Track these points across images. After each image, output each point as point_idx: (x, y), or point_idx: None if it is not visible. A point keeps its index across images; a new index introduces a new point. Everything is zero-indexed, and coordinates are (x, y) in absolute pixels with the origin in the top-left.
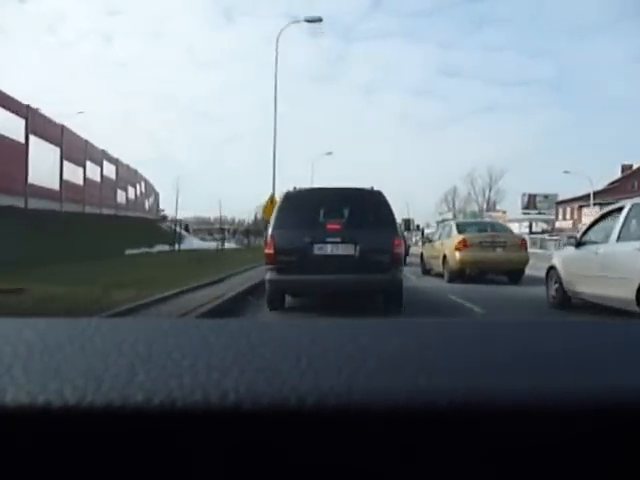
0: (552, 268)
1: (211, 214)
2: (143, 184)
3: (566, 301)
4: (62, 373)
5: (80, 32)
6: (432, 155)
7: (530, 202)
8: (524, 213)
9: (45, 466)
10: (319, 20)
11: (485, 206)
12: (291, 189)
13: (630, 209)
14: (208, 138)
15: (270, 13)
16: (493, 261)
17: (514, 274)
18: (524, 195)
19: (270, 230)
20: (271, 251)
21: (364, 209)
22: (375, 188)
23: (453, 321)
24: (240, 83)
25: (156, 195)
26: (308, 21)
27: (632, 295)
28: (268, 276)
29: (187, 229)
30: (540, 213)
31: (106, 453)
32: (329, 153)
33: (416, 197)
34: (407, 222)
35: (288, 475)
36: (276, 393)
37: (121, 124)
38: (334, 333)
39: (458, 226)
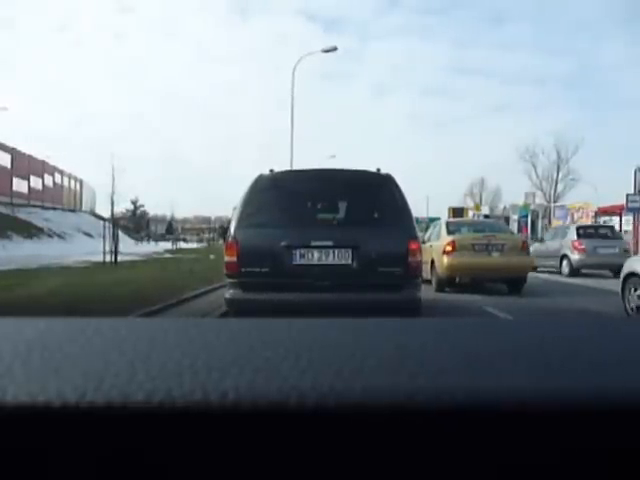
0: (633, 275)
1: (213, 213)
2: (59, 175)
3: None
4: (62, 373)
5: (92, 29)
6: (451, 149)
7: None
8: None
9: (45, 466)
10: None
11: (553, 192)
12: (266, 172)
13: None
14: (215, 136)
15: (285, 10)
16: (488, 267)
17: (514, 282)
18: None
19: (232, 230)
20: (233, 259)
21: (367, 200)
22: (383, 171)
23: (453, 321)
24: (248, 82)
25: (90, 189)
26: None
27: None
28: (228, 294)
29: (170, 229)
30: None
31: (106, 453)
32: (332, 156)
33: (436, 193)
34: (459, 211)
35: (288, 475)
36: (276, 393)
37: (130, 122)
38: (334, 333)
39: (448, 226)
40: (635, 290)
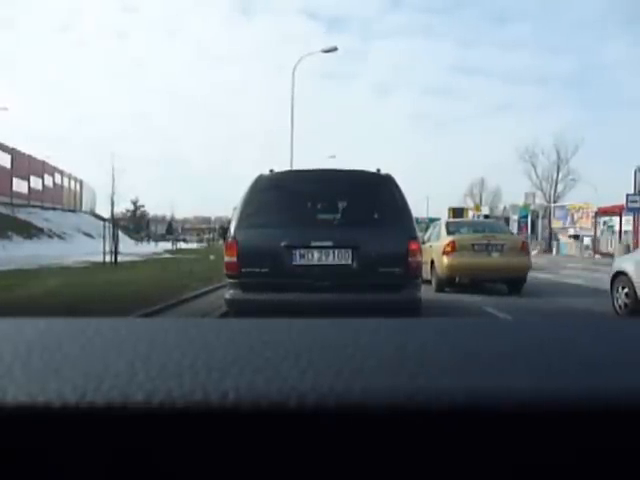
0: (620, 274)
1: (213, 213)
2: (59, 176)
3: None
4: (62, 373)
5: (94, 29)
6: (452, 149)
7: None
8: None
9: (45, 466)
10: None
11: (553, 192)
12: (266, 172)
13: None
14: (215, 136)
15: (287, 10)
16: (488, 267)
17: (514, 282)
18: None
19: (232, 230)
20: (233, 259)
21: (367, 200)
22: (383, 171)
23: (453, 321)
24: (251, 82)
25: (90, 189)
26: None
27: None
28: (228, 294)
29: (170, 229)
30: None
31: (106, 453)
32: (332, 156)
33: (436, 193)
34: (459, 211)
35: (288, 474)
36: (276, 393)
37: (130, 122)
38: (334, 333)
39: (448, 226)
40: (623, 288)
